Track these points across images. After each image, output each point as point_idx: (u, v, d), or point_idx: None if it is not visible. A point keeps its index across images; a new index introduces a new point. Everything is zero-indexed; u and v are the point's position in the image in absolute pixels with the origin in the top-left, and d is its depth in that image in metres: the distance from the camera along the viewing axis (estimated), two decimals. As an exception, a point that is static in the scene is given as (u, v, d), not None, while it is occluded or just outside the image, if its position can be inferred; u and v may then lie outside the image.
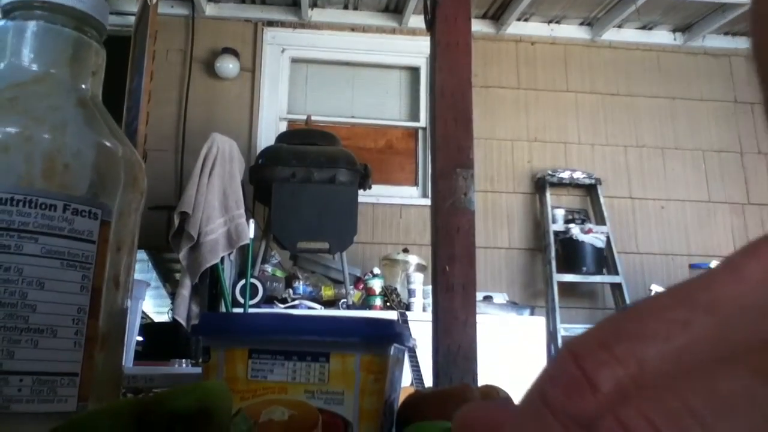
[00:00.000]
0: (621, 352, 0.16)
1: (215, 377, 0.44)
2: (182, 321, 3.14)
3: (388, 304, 3.37)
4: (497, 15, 4.52)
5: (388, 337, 0.46)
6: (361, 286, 3.45)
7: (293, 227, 3.33)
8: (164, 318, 4.70)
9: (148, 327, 3.91)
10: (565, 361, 0.17)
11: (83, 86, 0.46)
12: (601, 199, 4.26)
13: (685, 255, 4.28)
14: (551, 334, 3.85)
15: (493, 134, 4.38)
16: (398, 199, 4.28)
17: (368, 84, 4.58)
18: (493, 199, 4.30)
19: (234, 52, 4.23)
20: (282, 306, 3.28)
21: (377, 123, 4.49)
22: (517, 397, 0.19)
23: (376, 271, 3.47)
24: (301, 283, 3.40)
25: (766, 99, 0.22)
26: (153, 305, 5.09)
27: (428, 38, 1.67)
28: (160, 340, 3.54)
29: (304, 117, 4.03)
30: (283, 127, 4.31)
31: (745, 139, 4.58)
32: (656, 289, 3.48)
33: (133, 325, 2.67)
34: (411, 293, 3.38)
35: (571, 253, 4.11)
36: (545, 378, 0.17)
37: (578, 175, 4.30)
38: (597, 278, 4.11)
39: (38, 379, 0.39)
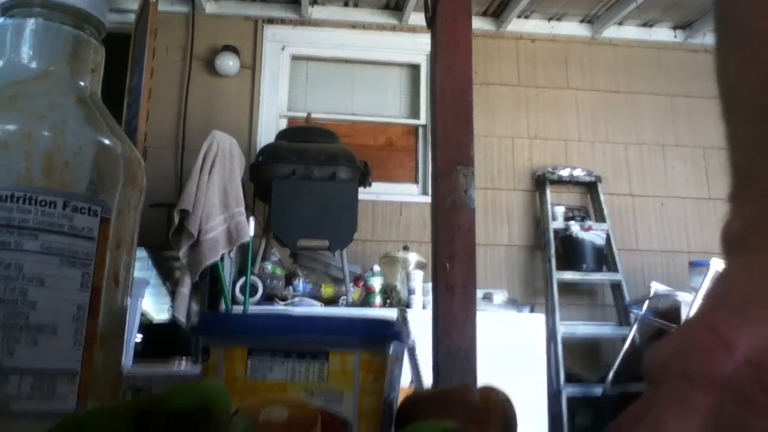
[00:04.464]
0: (754, 313, 0.17)
1: (214, 377, 0.44)
2: (182, 319, 3.14)
3: (387, 301, 3.37)
4: (498, 12, 4.51)
5: (387, 335, 0.45)
6: (361, 283, 3.45)
7: (293, 225, 3.33)
8: (164, 316, 4.70)
9: (148, 325, 3.92)
10: (702, 334, 0.17)
11: (82, 84, 0.46)
12: (601, 197, 4.26)
13: (685, 252, 4.28)
14: (551, 332, 3.85)
15: (493, 132, 4.38)
16: (398, 196, 4.27)
17: (368, 81, 4.57)
18: (493, 197, 4.30)
19: (234, 50, 4.22)
20: (282, 304, 3.28)
21: (377, 120, 4.48)
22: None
23: (376, 268, 3.47)
24: (301, 280, 3.40)
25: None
26: (153, 303, 5.09)
27: (428, 35, 1.67)
28: (160, 338, 3.54)
29: (305, 114, 4.02)
30: (283, 124, 4.31)
31: (745, 136, 4.57)
32: (656, 286, 3.47)
33: (132, 323, 2.67)
34: (411, 291, 3.37)
35: (570, 251, 4.11)
36: (680, 355, 0.18)
37: (578, 172, 4.30)
38: (597, 276, 4.11)
39: (38, 378, 0.39)
